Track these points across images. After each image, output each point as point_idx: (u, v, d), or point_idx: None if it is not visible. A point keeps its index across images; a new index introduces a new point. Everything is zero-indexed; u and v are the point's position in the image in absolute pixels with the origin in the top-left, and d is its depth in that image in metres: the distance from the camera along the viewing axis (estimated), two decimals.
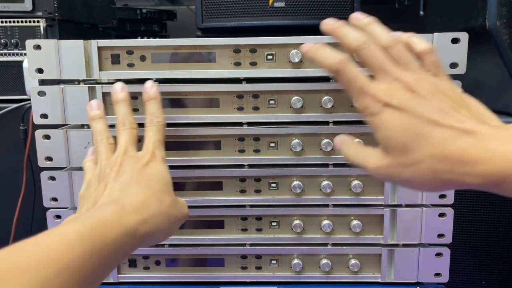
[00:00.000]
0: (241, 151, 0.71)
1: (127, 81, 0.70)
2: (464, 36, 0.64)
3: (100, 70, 0.67)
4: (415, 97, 0.45)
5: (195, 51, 0.68)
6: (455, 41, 0.64)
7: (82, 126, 0.70)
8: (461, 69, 0.65)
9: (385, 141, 0.47)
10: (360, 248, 0.73)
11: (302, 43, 0.66)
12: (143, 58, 0.68)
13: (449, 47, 0.65)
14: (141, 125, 0.70)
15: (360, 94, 0.48)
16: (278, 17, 0.94)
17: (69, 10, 1.13)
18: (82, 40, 0.66)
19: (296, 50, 0.66)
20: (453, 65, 0.65)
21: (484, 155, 0.40)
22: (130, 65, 0.68)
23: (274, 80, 0.68)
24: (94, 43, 0.67)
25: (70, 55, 0.67)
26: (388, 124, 0.46)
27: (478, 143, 0.40)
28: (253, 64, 0.68)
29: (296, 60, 0.66)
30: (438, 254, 0.72)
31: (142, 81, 0.70)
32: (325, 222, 0.72)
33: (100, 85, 0.68)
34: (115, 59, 0.68)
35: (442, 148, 0.42)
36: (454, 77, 0.66)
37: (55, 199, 0.71)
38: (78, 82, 0.69)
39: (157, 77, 0.68)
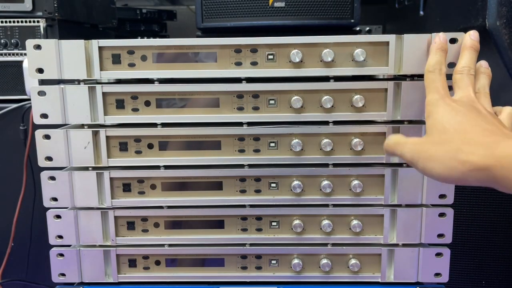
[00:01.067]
0: (241, 151, 0.71)
1: (128, 81, 0.71)
2: (462, 36, 0.64)
3: (101, 70, 0.67)
4: (474, 108, 0.55)
5: (196, 51, 0.68)
6: (453, 41, 0.64)
7: (82, 126, 0.70)
8: None
9: (431, 123, 0.56)
10: (360, 248, 0.73)
11: (303, 43, 0.66)
12: (144, 58, 0.68)
13: (449, 47, 0.64)
14: (141, 125, 0.70)
15: (433, 90, 0.58)
16: (278, 17, 0.94)
17: (69, 10, 1.13)
18: (83, 40, 0.66)
19: (297, 50, 0.66)
20: (451, 65, 0.65)
21: (504, 144, 0.48)
22: (131, 65, 0.68)
23: (274, 80, 0.68)
24: (95, 43, 0.67)
25: (71, 55, 0.66)
26: (441, 111, 0.55)
27: (508, 140, 0.49)
28: (254, 64, 0.68)
29: (297, 60, 0.66)
30: (438, 254, 0.72)
31: (143, 81, 0.71)
32: (325, 222, 0.72)
33: (100, 85, 0.68)
34: (116, 59, 0.68)
35: (476, 137, 0.51)
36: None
37: (55, 199, 0.71)
38: (78, 82, 0.69)
39: (158, 77, 0.68)
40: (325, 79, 0.68)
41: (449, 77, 0.67)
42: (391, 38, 0.65)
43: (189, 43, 0.67)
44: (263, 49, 0.67)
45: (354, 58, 0.66)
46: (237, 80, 0.68)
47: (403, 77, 0.68)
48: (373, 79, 0.69)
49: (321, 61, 0.67)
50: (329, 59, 0.66)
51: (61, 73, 0.67)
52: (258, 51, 0.67)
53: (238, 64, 0.68)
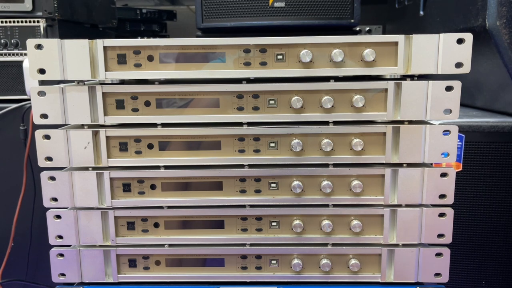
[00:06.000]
0: (241, 151, 0.71)
1: (133, 82, 0.71)
2: (468, 37, 0.65)
3: (105, 70, 0.67)
4: None
5: (205, 51, 0.67)
6: (460, 41, 0.65)
7: (82, 126, 0.70)
8: (466, 69, 0.65)
9: None
10: (360, 248, 0.73)
11: (313, 43, 0.66)
12: (150, 58, 0.68)
13: (455, 47, 0.65)
14: (141, 125, 0.70)
15: None
16: (278, 17, 0.94)
17: (69, 10, 1.13)
18: (87, 40, 0.66)
19: (306, 50, 0.66)
20: (459, 65, 0.65)
21: None
22: (137, 65, 0.68)
23: (275, 80, 0.68)
24: (100, 43, 0.66)
25: (74, 55, 0.66)
26: None
27: None
28: (263, 64, 0.67)
29: (307, 60, 0.66)
30: (438, 254, 0.72)
31: (142, 81, 0.71)
32: (325, 222, 0.72)
33: (100, 85, 0.68)
34: (122, 59, 0.67)
35: None
36: (458, 77, 0.67)
37: (55, 199, 0.71)
38: (78, 82, 0.69)
39: (165, 78, 0.68)
40: (325, 79, 0.68)
41: (452, 77, 0.67)
42: (400, 38, 0.66)
43: (197, 43, 0.67)
44: (272, 49, 0.67)
45: (363, 58, 0.66)
46: (237, 81, 0.68)
47: (403, 77, 0.68)
48: (373, 79, 0.69)
49: (330, 61, 0.67)
50: (339, 59, 0.66)
51: (64, 73, 0.66)
52: (267, 51, 0.67)
53: (247, 64, 0.67)
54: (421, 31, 0.65)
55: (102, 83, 0.69)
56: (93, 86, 0.68)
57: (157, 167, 0.71)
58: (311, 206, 0.72)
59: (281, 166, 0.71)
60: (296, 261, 0.73)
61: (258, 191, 0.72)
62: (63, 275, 0.74)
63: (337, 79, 0.68)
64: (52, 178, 0.70)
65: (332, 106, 0.68)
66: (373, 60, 0.66)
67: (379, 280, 0.74)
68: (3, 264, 1.08)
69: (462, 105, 1.05)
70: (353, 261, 0.73)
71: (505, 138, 0.87)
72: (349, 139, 0.69)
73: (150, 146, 0.70)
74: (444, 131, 0.67)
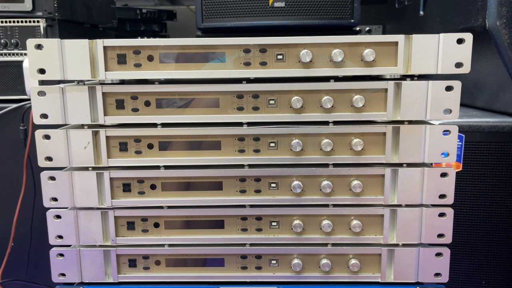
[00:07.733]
0: (241, 151, 0.71)
1: (133, 82, 0.71)
2: (468, 37, 0.65)
3: (105, 70, 0.67)
4: None
5: (205, 51, 0.67)
6: (460, 41, 0.65)
7: (82, 126, 0.70)
8: (466, 69, 0.65)
9: None
10: (360, 248, 0.73)
11: (313, 43, 0.66)
12: (150, 58, 0.68)
13: (454, 47, 0.65)
14: (141, 125, 0.70)
15: None
16: (278, 17, 0.94)
17: (69, 10, 1.13)
18: (87, 40, 0.66)
19: (306, 50, 0.66)
20: (458, 65, 0.65)
21: None
22: (137, 65, 0.68)
23: (275, 80, 0.68)
24: (100, 43, 0.66)
25: (74, 55, 0.66)
26: None
27: None
28: (263, 64, 0.67)
29: (307, 60, 0.66)
30: (438, 254, 0.72)
31: (142, 81, 0.71)
32: (325, 222, 0.72)
33: (100, 85, 0.68)
34: (122, 59, 0.67)
35: None
36: (458, 77, 0.67)
37: (55, 199, 0.71)
38: (78, 82, 0.69)
39: (165, 77, 0.68)
40: (325, 79, 0.68)
41: (452, 77, 0.67)
42: (400, 38, 0.66)
43: (197, 43, 0.67)
44: (272, 49, 0.67)
45: (363, 58, 0.66)
46: (237, 81, 0.68)
47: (403, 77, 0.68)
48: (373, 79, 0.70)
49: (330, 61, 0.67)
50: (339, 59, 0.66)
51: (64, 73, 0.66)
52: (267, 51, 0.67)
53: (247, 64, 0.67)
54: (421, 31, 0.65)
55: (102, 83, 0.69)
56: (93, 86, 0.68)
57: (157, 167, 0.71)
58: (311, 206, 0.72)
59: (281, 166, 0.71)
60: (296, 261, 0.73)
61: (258, 191, 0.72)
62: (63, 275, 0.74)
63: (337, 79, 0.68)
64: (52, 178, 0.70)
65: (332, 106, 0.68)
66: (373, 60, 0.66)
67: (379, 280, 0.74)
68: (3, 264, 1.08)
69: (462, 105, 1.05)
70: (353, 261, 0.73)
71: (505, 138, 0.87)
72: (349, 139, 0.69)
73: (150, 146, 0.70)
74: (444, 131, 0.68)
